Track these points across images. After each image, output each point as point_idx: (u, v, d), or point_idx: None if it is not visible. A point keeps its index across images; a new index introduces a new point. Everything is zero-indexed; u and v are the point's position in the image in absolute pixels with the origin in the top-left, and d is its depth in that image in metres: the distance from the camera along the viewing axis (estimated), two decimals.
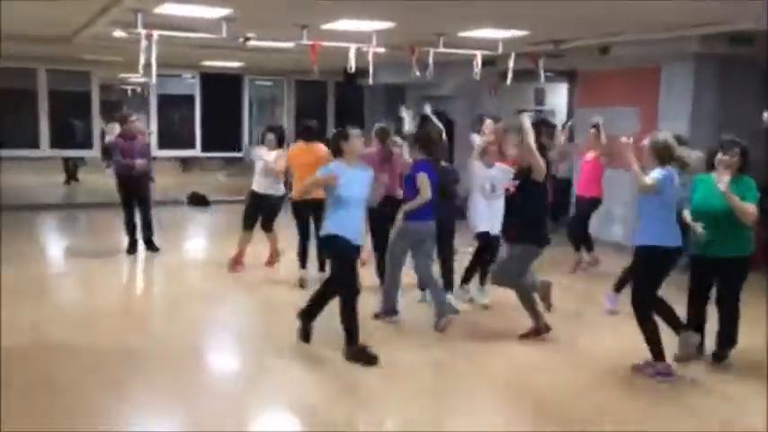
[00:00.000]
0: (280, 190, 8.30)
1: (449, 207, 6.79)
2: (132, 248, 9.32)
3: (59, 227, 12.24)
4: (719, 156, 5.29)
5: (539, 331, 6.03)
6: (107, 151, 12.68)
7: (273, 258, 8.65)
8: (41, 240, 11.20)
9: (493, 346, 5.94)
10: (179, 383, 5.14)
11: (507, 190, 6.40)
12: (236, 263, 8.42)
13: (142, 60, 7.44)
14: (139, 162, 8.98)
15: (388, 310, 6.47)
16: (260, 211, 8.31)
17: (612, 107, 10.08)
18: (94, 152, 15.23)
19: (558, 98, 14.24)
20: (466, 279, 7.23)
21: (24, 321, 6.33)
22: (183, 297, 7.51)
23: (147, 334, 6.27)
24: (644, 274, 5.27)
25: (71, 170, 16.58)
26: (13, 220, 11.59)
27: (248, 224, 8.39)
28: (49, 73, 13.48)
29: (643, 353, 5.29)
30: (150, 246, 9.43)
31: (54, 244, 11.01)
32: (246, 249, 8.44)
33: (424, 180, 6.09)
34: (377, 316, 6.45)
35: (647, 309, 5.21)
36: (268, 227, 8.47)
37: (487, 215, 6.90)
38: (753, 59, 8.80)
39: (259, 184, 8.26)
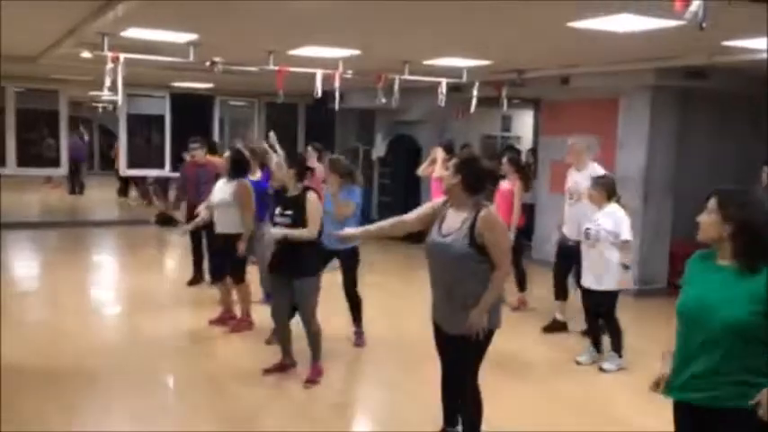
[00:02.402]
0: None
1: None
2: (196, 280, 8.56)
3: (30, 246, 12.20)
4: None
5: (284, 367, 5.83)
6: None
7: (242, 322, 7.01)
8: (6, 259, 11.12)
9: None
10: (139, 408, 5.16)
11: None
12: (235, 325, 7.00)
13: (108, 82, 7.57)
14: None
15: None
16: (227, 256, 6.89)
17: (574, 136, 10.26)
18: (62, 170, 15.11)
19: (524, 125, 14.52)
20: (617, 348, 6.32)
21: None
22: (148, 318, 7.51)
23: (109, 357, 6.28)
24: None
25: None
26: None
27: (219, 275, 7.19)
28: (17, 91, 13.41)
29: None
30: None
31: (21, 262, 10.96)
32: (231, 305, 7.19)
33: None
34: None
35: None
36: (238, 276, 6.93)
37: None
38: (708, 93, 9.05)
39: (219, 224, 6.91)
